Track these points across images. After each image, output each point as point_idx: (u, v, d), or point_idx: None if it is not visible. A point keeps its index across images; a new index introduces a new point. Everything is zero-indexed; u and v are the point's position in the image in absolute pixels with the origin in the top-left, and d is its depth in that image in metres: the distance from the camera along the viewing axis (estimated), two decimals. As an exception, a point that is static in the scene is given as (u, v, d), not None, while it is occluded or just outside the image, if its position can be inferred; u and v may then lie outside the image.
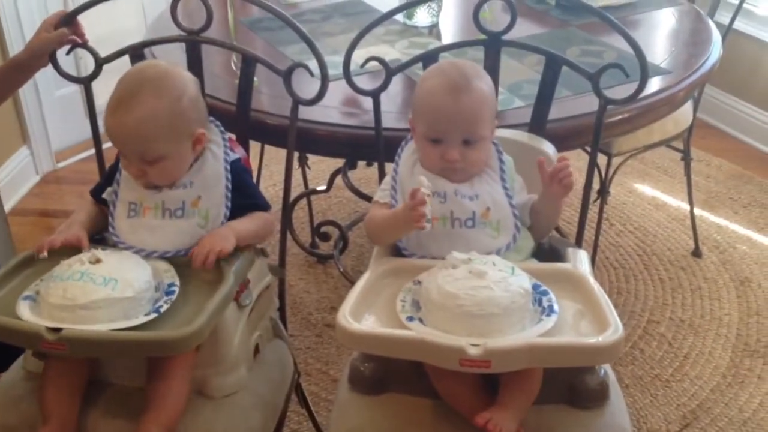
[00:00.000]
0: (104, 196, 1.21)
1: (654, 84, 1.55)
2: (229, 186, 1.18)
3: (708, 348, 1.95)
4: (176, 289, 1.09)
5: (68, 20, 1.34)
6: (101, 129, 1.35)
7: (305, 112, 1.34)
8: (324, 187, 2.20)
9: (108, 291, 1.01)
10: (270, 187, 2.67)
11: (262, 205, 1.24)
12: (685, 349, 1.94)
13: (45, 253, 1.11)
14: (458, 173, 1.17)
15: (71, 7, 2.66)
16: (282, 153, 2.72)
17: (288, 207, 1.38)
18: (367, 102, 1.46)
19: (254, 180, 1.52)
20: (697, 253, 2.28)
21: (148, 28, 1.91)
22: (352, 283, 1.10)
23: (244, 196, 1.21)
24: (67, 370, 1.10)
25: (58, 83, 2.79)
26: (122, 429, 1.10)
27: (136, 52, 1.37)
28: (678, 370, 1.88)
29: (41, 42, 1.31)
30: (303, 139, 1.41)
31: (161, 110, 1.12)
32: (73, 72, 1.41)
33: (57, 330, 0.98)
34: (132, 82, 1.13)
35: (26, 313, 1.02)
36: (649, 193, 2.61)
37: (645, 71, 1.22)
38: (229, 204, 1.18)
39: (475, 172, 1.19)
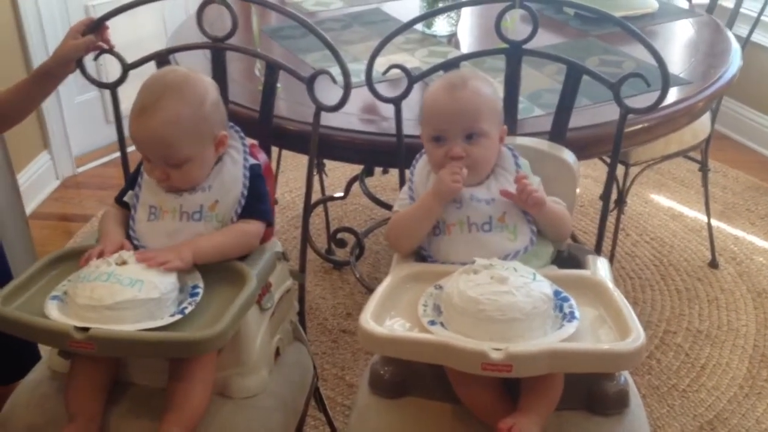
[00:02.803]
0: (125, 199, 1.23)
1: (673, 94, 1.56)
2: (245, 192, 1.19)
3: (725, 359, 1.94)
4: (200, 291, 1.10)
5: (95, 27, 1.36)
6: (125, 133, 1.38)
7: (325, 119, 1.36)
8: (341, 194, 2.22)
9: (134, 292, 1.03)
10: (287, 193, 2.69)
11: (264, 215, 1.21)
12: (702, 360, 1.94)
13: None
14: (467, 174, 1.18)
15: (92, 13, 2.73)
16: (299, 160, 2.78)
17: (308, 212, 1.39)
18: (386, 109, 1.47)
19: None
20: (714, 264, 2.28)
21: (170, 36, 1.94)
22: (368, 289, 1.11)
23: (250, 201, 1.20)
24: (93, 369, 1.11)
25: (79, 89, 2.83)
26: (145, 429, 1.11)
27: (162, 59, 1.39)
28: (695, 381, 1.88)
29: (69, 49, 1.34)
30: (322, 145, 1.42)
31: (185, 113, 1.13)
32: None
33: (85, 329, 0.99)
34: (155, 87, 1.15)
35: (54, 313, 1.04)
36: (665, 203, 2.61)
37: (666, 80, 1.22)
38: (240, 210, 1.18)
39: (483, 174, 1.20)
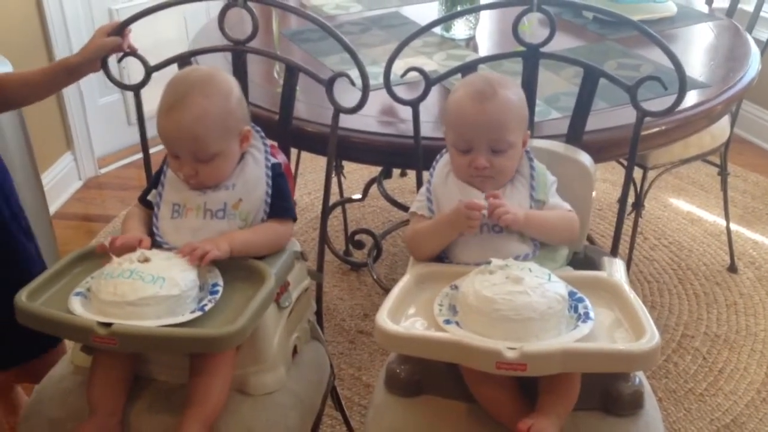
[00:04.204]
0: (149, 197, 1.25)
1: (691, 97, 1.56)
2: (269, 191, 1.21)
3: (743, 363, 1.93)
4: (220, 288, 1.12)
5: (119, 31, 1.39)
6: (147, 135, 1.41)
7: (343, 121, 1.37)
8: (359, 196, 2.23)
9: (156, 289, 1.05)
10: (305, 195, 2.71)
11: (290, 212, 1.24)
12: (720, 364, 1.93)
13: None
14: (489, 182, 1.19)
15: (116, 16, 2.77)
16: (317, 162, 2.80)
17: (326, 213, 1.41)
18: (404, 111, 1.49)
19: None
20: (732, 268, 2.27)
21: (192, 39, 1.97)
22: (386, 290, 1.12)
23: (276, 201, 1.22)
24: (114, 365, 1.13)
25: (102, 91, 2.87)
26: (164, 423, 1.13)
27: (184, 61, 1.41)
28: (712, 385, 1.87)
29: (96, 48, 1.36)
30: (341, 147, 1.44)
31: (213, 109, 1.16)
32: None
33: (108, 325, 1.02)
34: (180, 85, 1.17)
35: (78, 309, 1.06)
36: (684, 207, 2.60)
37: (683, 84, 1.23)
38: (268, 209, 1.21)
39: (506, 181, 1.21)
